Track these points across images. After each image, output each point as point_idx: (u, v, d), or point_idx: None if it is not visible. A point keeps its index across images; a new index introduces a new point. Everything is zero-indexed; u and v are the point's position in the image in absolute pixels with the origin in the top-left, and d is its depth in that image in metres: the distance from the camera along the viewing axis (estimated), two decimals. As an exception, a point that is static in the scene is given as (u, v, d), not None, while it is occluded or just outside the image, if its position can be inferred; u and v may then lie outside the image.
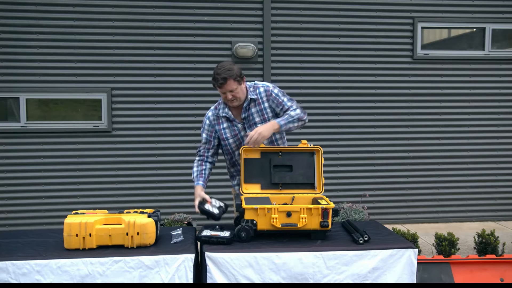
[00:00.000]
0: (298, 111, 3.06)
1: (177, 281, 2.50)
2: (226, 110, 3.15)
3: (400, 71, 6.21)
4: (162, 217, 5.05)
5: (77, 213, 2.74)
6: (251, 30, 5.95)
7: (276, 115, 3.13)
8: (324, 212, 2.72)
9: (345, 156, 6.11)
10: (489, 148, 6.39)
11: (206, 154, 3.29)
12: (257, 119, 3.12)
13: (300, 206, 2.72)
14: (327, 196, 2.98)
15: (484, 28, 6.27)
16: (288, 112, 3.06)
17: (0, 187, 5.73)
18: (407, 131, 6.27)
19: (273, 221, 2.70)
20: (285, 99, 3.12)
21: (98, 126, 5.82)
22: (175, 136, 5.94)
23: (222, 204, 3.12)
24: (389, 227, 3.65)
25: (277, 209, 2.71)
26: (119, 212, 2.78)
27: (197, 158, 3.33)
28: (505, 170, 6.43)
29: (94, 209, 3.03)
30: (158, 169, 5.94)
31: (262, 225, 2.72)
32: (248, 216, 2.72)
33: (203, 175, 3.29)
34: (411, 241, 4.43)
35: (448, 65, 6.26)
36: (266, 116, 3.12)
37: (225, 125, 3.17)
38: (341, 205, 5.05)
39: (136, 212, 2.79)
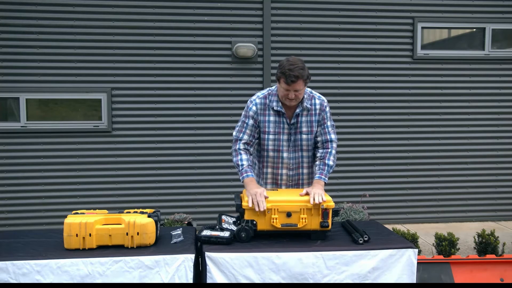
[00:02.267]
0: (334, 153, 3.07)
1: (177, 281, 2.50)
2: (280, 105, 3.00)
3: (400, 71, 6.20)
4: (162, 217, 5.05)
5: (77, 213, 2.73)
6: (251, 30, 5.95)
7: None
8: (324, 212, 2.72)
9: (345, 156, 6.11)
10: (489, 148, 6.39)
11: (252, 141, 3.07)
12: (304, 129, 3.05)
13: (300, 206, 2.72)
14: (327, 196, 2.98)
15: (484, 28, 6.27)
16: (327, 161, 3.01)
17: (0, 187, 5.73)
18: (407, 131, 6.27)
19: (273, 221, 2.70)
20: (329, 125, 3.10)
21: (98, 126, 5.82)
22: (175, 136, 5.94)
23: (234, 228, 2.84)
24: (389, 227, 3.66)
25: (277, 209, 2.70)
26: (119, 212, 2.78)
27: (242, 145, 3.03)
28: (505, 170, 6.43)
29: (94, 209, 3.03)
30: (158, 169, 5.94)
31: (262, 225, 2.72)
32: (248, 216, 2.72)
33: (252, 166, 3.04)
34: (411, 241, 4.43)
35: (448, 65, 6.26)
36: (314, 129, 3.07)
37: (271, 118, 3.02)
38: (341, 205, 5.04)
39: (136, 212, 2.79)
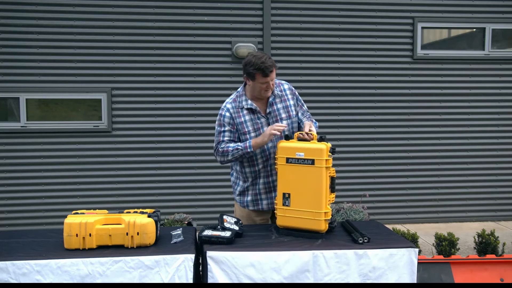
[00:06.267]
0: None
1: (177, 281, 2.50)
2: (250, 102, 3.06)
3: (400, 71, 6.20)
4: (162, 217, 5.05)
5: (77, 213, 2.73)
6: (251, 30, 5.95)
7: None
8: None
9: (345, 156, 6.10)
10: (489, 148, 6.39)
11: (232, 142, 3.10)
12: (283, 115, 3.11)
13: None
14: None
15: (484, 28, 6.27)
16: (311, 118, 3.22)
17: (0, 187, 5.73)
18: (407, 131, 6.27)
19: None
20: (306, 108, 3.28)
21: (98, 126, 5.82)
22: (175, 136, 5.94)
23: (236, 228, 2.84)
24: (389, 227, 3.65)
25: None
26: (119, 212, 2.77)
27: (222, 145, 3.05)
28: (505, 170, 6.43)
29: (94, 209, 3.03)
30: (158, 169, 5.94)
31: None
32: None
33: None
34: (411, 241, 4.43)
35: (448, 65, 6.26)
36: (291, 113, 3.14)
37: (247, 117, 3.07)
38: (341, 205, 5.05)
39: (136, 212, 2.78)
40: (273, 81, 3.01)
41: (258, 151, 3.04)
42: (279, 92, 3.13)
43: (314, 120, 3.22)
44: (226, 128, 3.06)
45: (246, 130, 3.06)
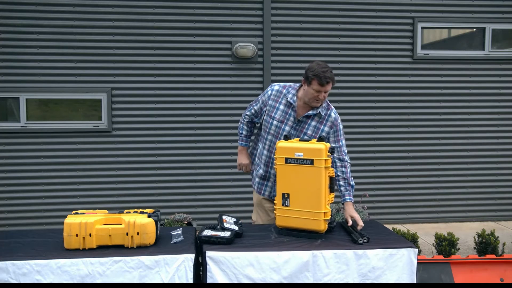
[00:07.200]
0: (350, 168, 3.23)
1: (177, 281, 2.50)
2: (295, 98, 3.14)
3: (400, 71, 6.20)
4: (162, 217, 5.06)
5: (77, 213, 2.73)
6: (251, 30, 5.95)
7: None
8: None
9: (345, 156, 6.11)
10: (489, 148, 6.39)
11: (256, 116, 3.34)
12: (309, 132, 3.14)
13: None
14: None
15: (484, 28, 6.27)
16: (351, 182, 3.18)
17: (0, 187, 5.73)
18: (407, 131, 6.27)
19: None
20: (343, 143, 3.25)
21: (98, 126, 5.82)
22: (175, 136, 5.94)
23: (236, 228, 2.87)
24: (389, 227, 3.65)
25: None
26: (119, 212, 2.78)
27: (248, 113, 3.36)
28: (505, 170, 6.43)
29: (94, 209, 3.03)
30: (158, 169, 5.94)
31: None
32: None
33: (250, 137, 3.42)
34: (411, 241, 4.43)
35: (448, 65, 6.26)
36: (317, 136, 3.15)
37: (281, 107, 3.16)
38: (341, 205, 5.04)
39: (136, 212, 2.79)
40: (326, 94, 3.04)
41: (261, 145, 3.28)
42: (323, 113, 3.14)
43: (352, 183, 3.18)
44: (259, 104, 3.28)
45: (273, 115, 3.18)
